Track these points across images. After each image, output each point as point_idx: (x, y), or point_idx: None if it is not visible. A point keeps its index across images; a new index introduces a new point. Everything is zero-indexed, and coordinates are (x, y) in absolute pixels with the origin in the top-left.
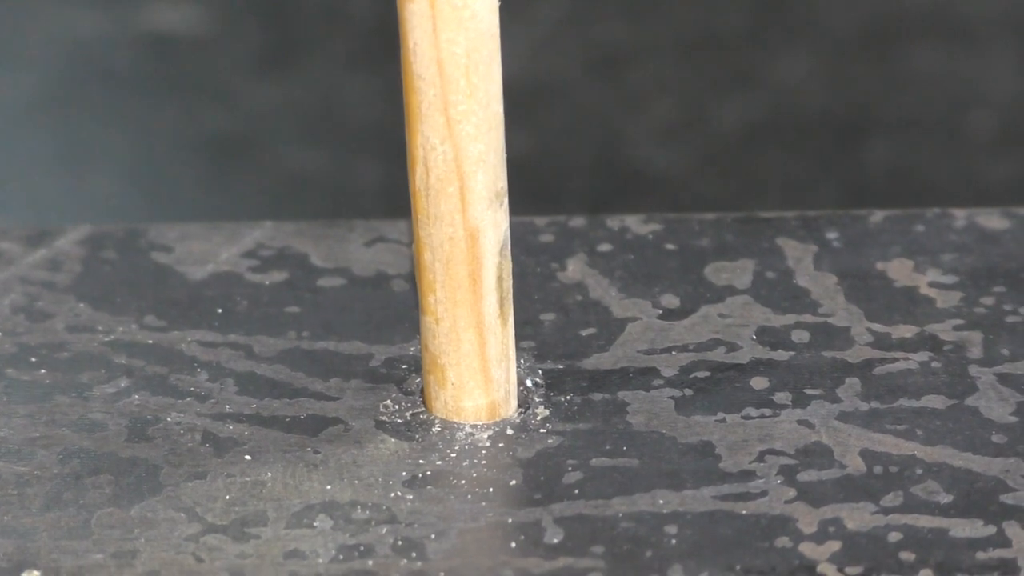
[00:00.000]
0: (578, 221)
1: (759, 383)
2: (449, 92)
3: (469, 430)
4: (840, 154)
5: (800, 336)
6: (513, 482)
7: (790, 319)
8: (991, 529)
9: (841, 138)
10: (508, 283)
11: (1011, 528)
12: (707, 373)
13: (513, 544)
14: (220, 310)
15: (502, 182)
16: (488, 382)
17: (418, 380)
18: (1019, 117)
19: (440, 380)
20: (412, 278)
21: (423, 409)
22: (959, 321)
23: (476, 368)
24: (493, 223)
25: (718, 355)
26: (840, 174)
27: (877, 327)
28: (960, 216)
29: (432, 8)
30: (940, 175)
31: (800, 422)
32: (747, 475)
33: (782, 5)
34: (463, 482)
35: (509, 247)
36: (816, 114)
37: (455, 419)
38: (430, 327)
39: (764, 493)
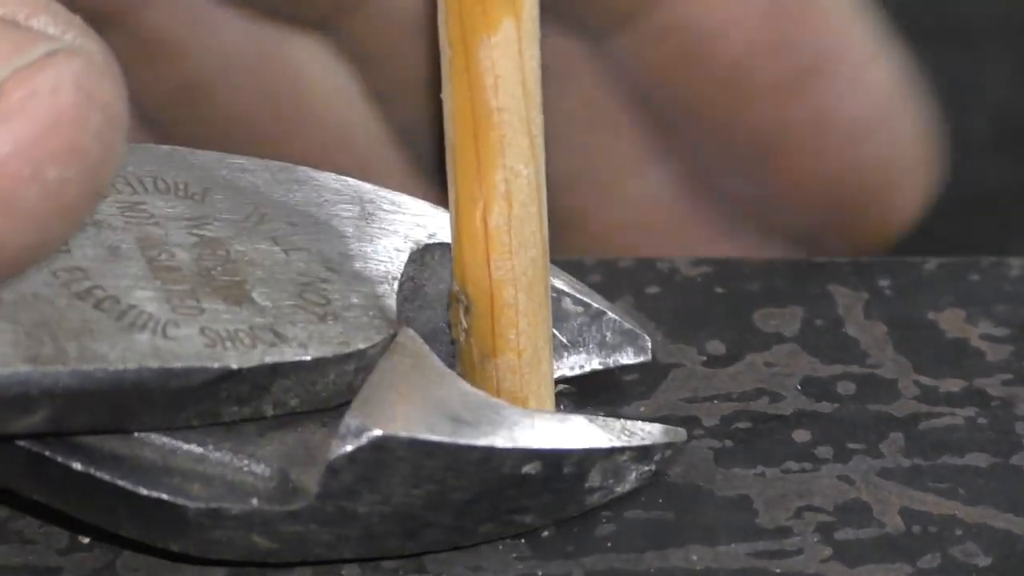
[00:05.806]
0: (626, 262)
1: (801, 436)
2: (531, 111)
3: None
4: None
5: (846, 388)
6: (545, 533)
7: (837, 369)
8: None
9: None
10: None
11: None
12: (749, 424)
13: None
14: None
15: None
16: None
17: None
18: (1016, 119)
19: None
20: None
21: None
22: (1008, 376)
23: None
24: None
25: (761, 405)
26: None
27: (925, 380)
28: (1016, 266)
29: (518, 32)
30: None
31: (840, 477)
32: (783, 531)
33: None
34: None
35: None
36: None
37: None
38: (511, 366)
39: (800, 551)
